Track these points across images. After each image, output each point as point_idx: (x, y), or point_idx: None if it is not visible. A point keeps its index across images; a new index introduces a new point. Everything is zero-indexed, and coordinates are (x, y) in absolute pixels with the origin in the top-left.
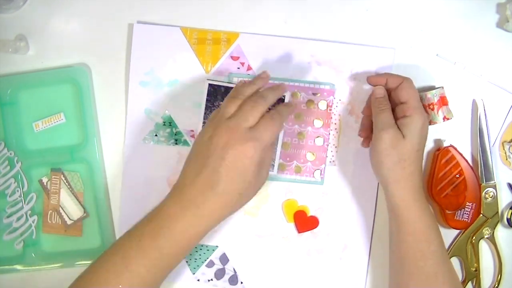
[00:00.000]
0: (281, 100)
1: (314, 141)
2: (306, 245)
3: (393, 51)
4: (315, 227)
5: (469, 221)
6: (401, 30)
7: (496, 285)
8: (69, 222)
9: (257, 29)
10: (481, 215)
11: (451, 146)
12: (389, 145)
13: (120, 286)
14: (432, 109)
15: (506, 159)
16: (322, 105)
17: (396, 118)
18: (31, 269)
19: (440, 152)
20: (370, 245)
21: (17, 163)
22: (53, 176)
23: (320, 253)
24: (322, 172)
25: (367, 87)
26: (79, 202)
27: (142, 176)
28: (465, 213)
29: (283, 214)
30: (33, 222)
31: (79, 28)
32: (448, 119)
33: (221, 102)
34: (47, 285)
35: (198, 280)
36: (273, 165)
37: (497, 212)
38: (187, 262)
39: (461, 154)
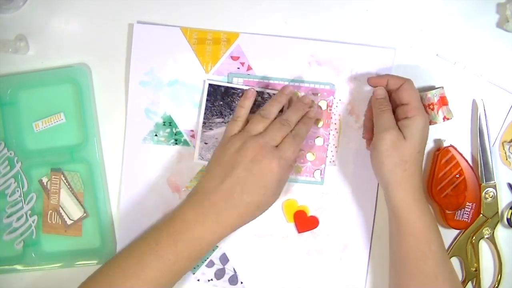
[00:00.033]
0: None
1: (314, 141)
2: (306, 245)
3: (393, 51)
4: (315, 227)
5: (469, 221)
6: (401, 30)
7: (496, 285)
8: (69, 222)
9: (257, 29)
10: (481, 215)
11: (451, 146)
12: (390, 146)
13: None
14: (432, 109)
15: (506, 159)
16: (322, 105)
17: (397, 120)
18: (31, 269)
19: (440, 152)
20: (370, 245)
21: (17, 163)
22: (53, 176)
23: (320, 253)
24: (322, 172)
25: (368, 87)
26: (79, 202)
27: (142, 176)
28: (465, 213)
29: (283, 214)
30: (33, 222)
31: (79, 28)
32: (448, 119)
33: (221, 102)
34: (47, 285)
35: (198, 280)
36: None
37: (497, 212)
38: None
39: (461, 154)
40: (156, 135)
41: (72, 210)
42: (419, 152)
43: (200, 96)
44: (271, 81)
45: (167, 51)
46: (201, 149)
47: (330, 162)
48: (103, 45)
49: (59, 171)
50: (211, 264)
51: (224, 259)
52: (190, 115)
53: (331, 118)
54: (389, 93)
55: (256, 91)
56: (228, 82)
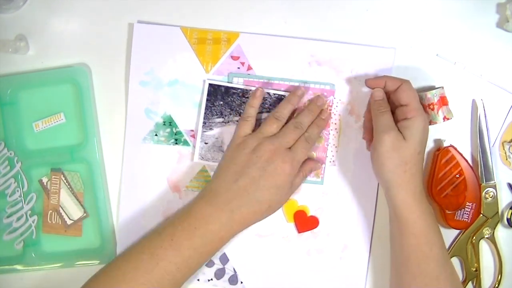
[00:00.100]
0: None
1: None
2: (306, 245)
3: (393, 51)
4: (315, 227)
5: (469, 221)
6: (401, 30)
7: (497, 285)
8: (69, 222)
9: (257, 29)
10: (481, 215)
11: (451, 146)
12: (390, 147)
13: (149, 283)
14: (432, 109)
15: (506, 159)
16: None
17: (396, 121)
18: (31, 269)
19: (440, 152)
20: (370, 245)
21: (17, 163)
22: (53, 176)
23: (320, 253)
24: (322, 172)
25: (367, 88)
26: (79, 202)
27: (142, 176)
28: (465, 213)
29: (283, 214)
30: (33, 222)
31: (79, 28)
32: (448, 119)
33: (221, 102)
34: (47, 285)
35: (198, 280)
36: None
37: (497, 212)
38: None
39: (461, 154)
40: (156, 135)
41: (72, 210)
42: (420, 153)
43: (200, 96)
44: (271, 81)
45: (167, 51)
46: (201, 149)
47: (330, 162)
48: (103, 45)
49: (59, 171)
50: (211, 264)
51: (224, 259)
52: (190, 115)
53: (331, 118)
54: (388, 94)
55: None
56: (228, 82)
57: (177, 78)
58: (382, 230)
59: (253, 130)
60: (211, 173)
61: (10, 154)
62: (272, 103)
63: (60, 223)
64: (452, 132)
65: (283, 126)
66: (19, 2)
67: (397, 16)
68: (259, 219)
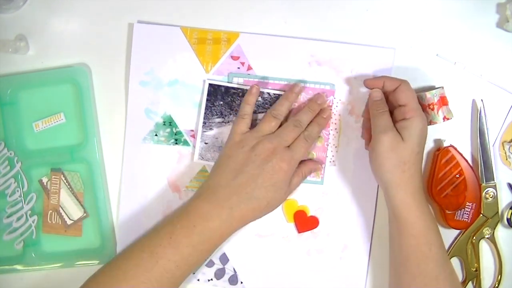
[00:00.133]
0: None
1: None
2: (306, 245)
3: (393, 51)
4: (315, 227)
5: (469, 221)
6: (401, 30)
7: (497, 285)
8: (69, 222)
9: (257, 29)
10: (481, 215)
11: (451, 146)
12: (389, 148)
13: (148, 282)
14: (432, 109)
15: (506, 159)
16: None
17: (394, 121)
18: (31, 269)
19: (440, 152)
20: (370, 245)
21: (17, 163)
22: (53, 176)
23: (320, 253)
24: (322, 172)
25: (366, 88)
26: (79, 202)
27: (142, 176)
28: (465, 213)
29: (283, 214)
30: (33, 222)
31: (79, 28)
32: (448, 119)
33: (221, 102)
34: (47, 285)
35: (198, 280)
36: None
37: (497, 212)
38: None
39: (461, 154)
40: (156, 135)
41: (72, 210)
42: (418, 153)
43: (200, 96)
44: (271, 81)
45: (167, 51)
46: (201, 149)
47: (330, 162)
48: (103, 45)
49: (59, 171)
50: (211, 264)
51: (224, 259)
52: (190, 115)
53: (331, 118)
54: (386, 94)
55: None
56: (228, 82)
57: (177, 78)
58: (382, 230)
59: (250, 128)
60: None
61: (10, 154)
62: (272, 103)
63: (60, 223)
64: (452, 132)
65: (281, 124)
66: (19, 2)
67: (397, 16)
68: (258, 216)
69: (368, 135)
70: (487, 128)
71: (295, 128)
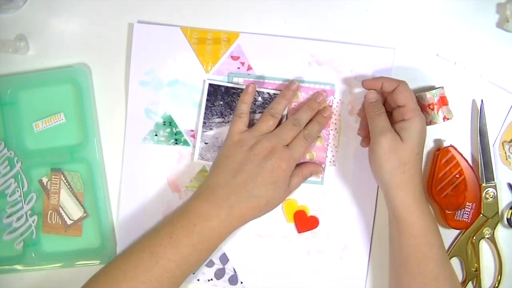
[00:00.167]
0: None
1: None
2: (306, 245)
3: (393, 51)
4: (315, 227)
5: (469, 221)
6: (401, 30)
7: (497, 285)
8: (69, 222)
9: (257, 29)
10: (481, 215)
11: (451, 146)
12: (388, 149)
13: (149, 282)
14: (432, 109)
15: (506, 159)
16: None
17: (393, 122)
18: (31, 269)
19: (440, 152)
20: (370, 245)
21: (17, 163)
22: (53, 176)
23: (320, 253)
24: (322, 172)
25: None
26: (79, 202)
27: (142, 176)
28: (465, 213)
29: (283, 214)
30: (33, 222)
31: (79, 28)
32: (448, 119)
33: (221, 102)
34: (47, 285)
35: (198, 280)
36: None
37: (497, 212)
38: None
39: (461, 154)
40: (156, 135)
41: (72, 210)
42: (418, 154)
43: (200, 96)
44: (271, 81)
45: (167, 51)
46: (201, 149)
47: (330, 162)
48: (103, 45)
49: (59, 171)
50: (211, 264)
51: (224, 259)
52: (190, 115)
53: (331, 118)
54: (385, 95)
55: (256, 90)
56: (228, 82)
57: (177, 78)
58: (382, 230)
59: (248, 127)
60: None
61: (10, 154)
62: None
63: (60, 223)
64: (452, 132)
65: (280, 122)
66: (19, 2)
67: (397, 16)
68: (257, 215)
69: (364, 132)
70: (487, 128)
71: (294, 127)
